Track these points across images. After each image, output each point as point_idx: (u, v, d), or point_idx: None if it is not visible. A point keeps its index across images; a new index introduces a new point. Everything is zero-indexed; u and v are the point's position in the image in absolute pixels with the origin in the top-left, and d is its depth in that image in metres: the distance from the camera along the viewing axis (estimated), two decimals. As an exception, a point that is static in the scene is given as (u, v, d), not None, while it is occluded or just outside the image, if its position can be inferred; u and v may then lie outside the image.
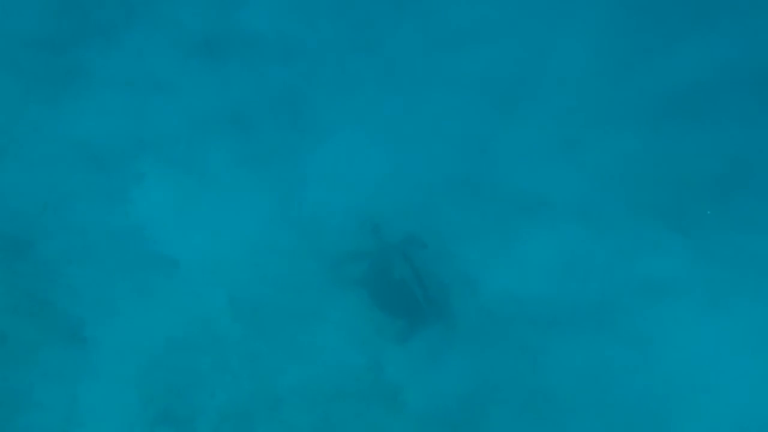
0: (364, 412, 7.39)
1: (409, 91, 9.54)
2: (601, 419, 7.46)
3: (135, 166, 8.58)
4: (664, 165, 8.95)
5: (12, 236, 7.92)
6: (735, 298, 8.00)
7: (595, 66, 9.74)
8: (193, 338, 7.64)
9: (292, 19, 10.05)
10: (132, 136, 8.81)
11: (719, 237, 8.42)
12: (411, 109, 9.39)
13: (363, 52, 9.85)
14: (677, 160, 8.99)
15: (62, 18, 9.37)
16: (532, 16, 10.14)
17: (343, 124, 9.24)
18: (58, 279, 7.77)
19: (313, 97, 9.45)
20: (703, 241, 8.39)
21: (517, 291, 8.06)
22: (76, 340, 7.48)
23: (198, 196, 8.50)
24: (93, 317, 7.61)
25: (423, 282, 7.78)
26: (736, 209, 8.63)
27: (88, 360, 7.39)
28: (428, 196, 8.71)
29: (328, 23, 10.08)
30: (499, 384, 7.57)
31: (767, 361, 7.68)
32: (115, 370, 7.36)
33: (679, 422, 7.46)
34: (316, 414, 7.37)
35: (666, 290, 8.08)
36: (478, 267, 8.22)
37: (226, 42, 9.73)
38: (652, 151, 9.08)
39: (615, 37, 9.97)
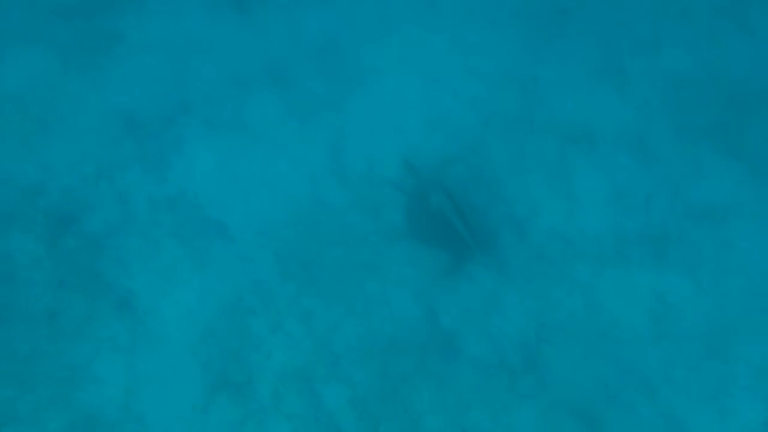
0: (421, 363, 7.04)
1: (448, 28, 8.92)
2: (659, 351, 6.96)
3: (175, 130, 8.17)
4: (711, 85, 8.18)
5: (55, 211, 7.67)
6: None
7: None
8: (246, 301, 7.30)
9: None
10: (171, 99, 8.40)
11: None
12: (452, 47, 8.77)
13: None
14: (724, 79, 8.21)
15: (92, -15, 9.03)
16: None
17: (384, 69, 8.67)
18: (105, 251, 7.49)
19: (352, 42, 8.88)
20: (755, 162, 7.68)
21: (566, 227, 7.49)
22: (128, 310, 7.20)
23: (240, 156, 8.07)
24: (142, 287, 7.33)
25: (466, 217, 7.20)
26: None
27: (142, 330, 7.11)
28: (471, 135, 8.13)
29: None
30: (553, 323, 7.13)
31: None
32: (169, 338, 7.08)
33: (739, 348, 6.93)
34: (373, 368, 7.05)
35: (719, 217, 7.42)
36: (524, 203, 7.65)
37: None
38: (698, 71, 8.31)
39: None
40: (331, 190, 7.88)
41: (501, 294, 7.25)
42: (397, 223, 7.65)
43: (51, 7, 8.71)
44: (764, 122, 7.85)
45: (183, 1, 9.03)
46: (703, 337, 6.92)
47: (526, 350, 7.03)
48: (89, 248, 7.55)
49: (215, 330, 7.15)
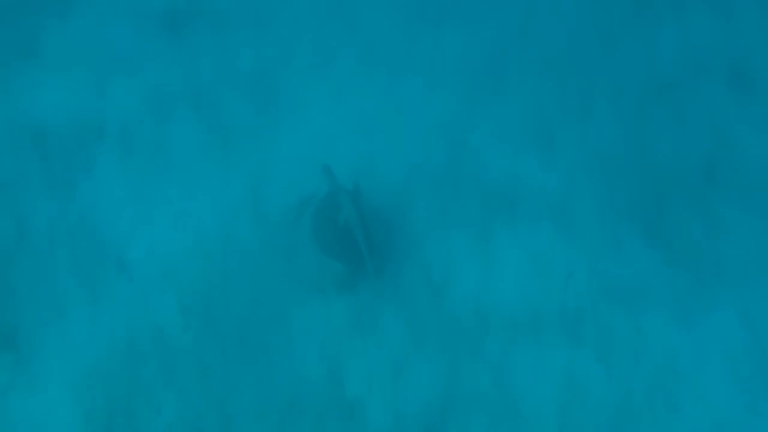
0: (319, 429, 6.41)
1: (385, 74, 8.33)
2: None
3: (86, 151, 7.37)
4: (636, 164, 7.75)
5: (-57, 229, 6.81)
6: (704, 310, 6.91)
7: (570, 55, 8.53)
8: (140, 346, 6.52)
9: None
10: (86, 117, 7.58)
11: (691, 243, 7.27)
12: (386, 94, 8.18)
13: (338, 27, 8.62)
14: (650, 160, 7.79)
15: (13, -9, 8.13)
16: (509, 3, 8.98)
17: (315, 107, 8.01)
18: (-8, 277, 6.71)
19: (284, 75, 8.20)
20: (674, 246, 7.25)
21: (482, 297, 6.89)
22: (9, 348, 6.37)
23: (152, 185, 7.27)
24: (28, 321, 6.49)
25: (371, 245, 6.78)
26: (709, 213, 7.47)
27: (21, 370, 6.27)
28: (395, 186, 7.54)
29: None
30: (460, 395, 6.57)
31: (735, 379, 6.71)
32: (52, 382, 6.25)
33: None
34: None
35: (634, 301, 6.92)
36: (441, 266, 7.04)
37: (192, 13, 8.48)
38: (624, 148, 7.88)
39: (590, 24, 8.79)
40: (245, 229, 7.12)
41: (410, 360, 6.66)
42: (311, 273, 7.01)
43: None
44: (683, 209, 7.45)
45: (110, 14, 8.22)
46: (606, 425, 6.48)
47: (429, 423, 6.46)
48: (-25, 273, 6.71)
49: (103, 375, 6.33)
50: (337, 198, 6.96)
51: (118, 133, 7.49)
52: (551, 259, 7.13)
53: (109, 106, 7.63)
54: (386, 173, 7.61)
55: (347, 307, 6.82)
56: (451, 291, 6.93)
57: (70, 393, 6.22)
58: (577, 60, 8.43)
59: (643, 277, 7.07)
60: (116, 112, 7.60)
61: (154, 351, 6.47)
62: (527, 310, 6.85)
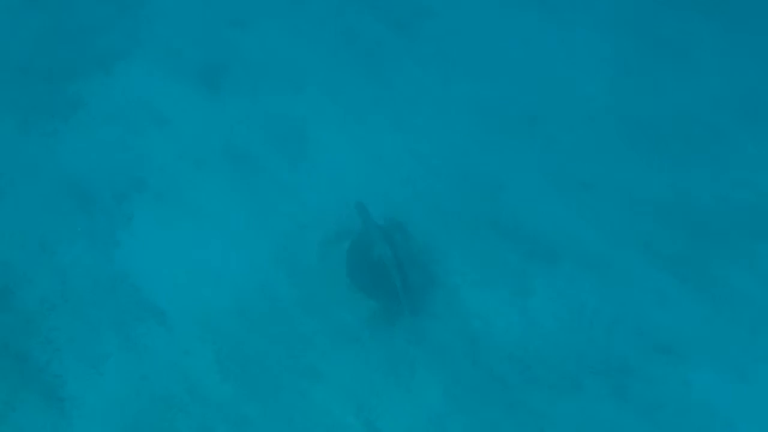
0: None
1: (418, 126, 8.32)
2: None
3: (127, 205, 7.48)
4: (679, 211, 7.57)
5: (-9, 283, 6.96)
6: (756, 361, 6.65)
7: (608, 103, 8.42)
8: (178, 398, 6.52)
9: (297, 47, 8.94)
10: (127, 173, 7.71)
11: (740, 292, 7.04)
12: (421, 144, 8.18)
13: (370, 82, 8.67)
14: (692, 207, 7.61)
15: (60, 47, 8.34)
16: (543, 49, 8.93)
17: (349, 160, 8.05)
18: (37, 331, 6.71)
19: (316, 130, 8.25)
20: (721, 295, 7.02)
21: (522, 349, 6.77)
22: (54, 399, 6.43)
23: (189, 238, 7.32)
24: (72, 374, 6.57)
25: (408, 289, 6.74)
26: (755, 260, 7.24)
27: (66, 423, 6.32)
28: (430, 237, 7.49)
29: (333, 51, 8.93)
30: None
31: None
32: (92, 435, 6.36)
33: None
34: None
35: (680, 352, 6.71)
36: (478, 317, 6.93)
37: (230, 70, 8.62)
38: (664, 195, 7.71)
39: (628, 72, 8.68)
40: (281, 283, 7.11)
41: (448, 417, 6.52)
42: (346, 325, 6.96)
43: (13, 66, 8.07)
44: (728, 256, 7.24)
45: (151, 73, 8.41)
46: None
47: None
48: (21, 327, 6.76)
49: (143, 428, 6.39)
50: (371, 234, 6.94)
51: (156, 187, 7.59)
52: (593, 309, 6.96)
53: (148, 162, 7.75)
54: (421, 222, 7.55)
55: (384, 357, 6.74)
56: (490, 341, 6.80)
57: (110, 447, 6.27)
58: (617, 104, 8.34)
59: (690, 326, 6.85)
60: (155, 167, 7.71)
61: (192, 403, 6.46)
62: (570, 361, 6.68)
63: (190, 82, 8.40)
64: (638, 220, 7.52)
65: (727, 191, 7.73)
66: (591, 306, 6.98)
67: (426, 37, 8.97)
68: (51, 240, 7.18)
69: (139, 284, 7.04)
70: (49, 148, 7.73)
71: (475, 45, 8.95)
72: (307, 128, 8.24)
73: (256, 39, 8.81)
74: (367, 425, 6.40)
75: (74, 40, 8.47)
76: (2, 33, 8.30)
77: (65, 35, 8.44)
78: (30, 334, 6.70)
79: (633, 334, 6.81)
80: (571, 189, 7.75)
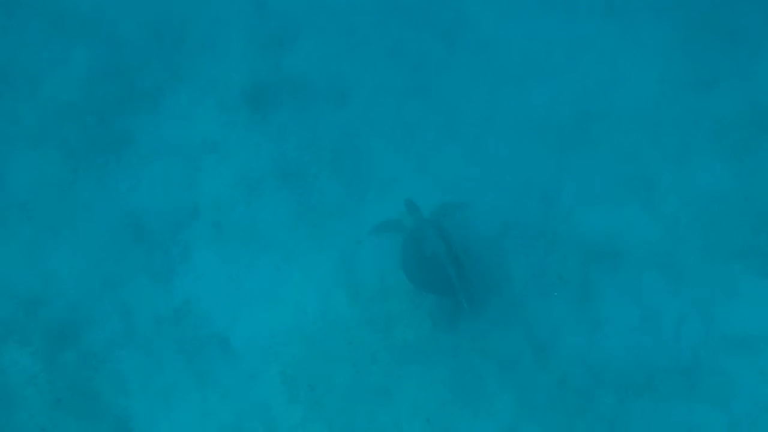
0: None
1: (468, 136, 8.19)
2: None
3: (183, 236, 7.49)
4: (744, 202, 7.26)
5: (55, 324, 7.00)
6: None
7: (662, 97, 8.10)
8: (248, 424, 6.51)
9: (341, 63, 8.90)
10: (180, 204, 7.73)
11: None
12: (471, 154, 8.07)
13: (417, 95, 8.54)
14: (759, 197, 7.30)
15: (106, 85, 8.36)
16: (589, 48, 8.72)
17: (401, 176, 7.96)
18: (104, 368, 6.77)
19: (369, 146, 8.15)
20: None
21: (590, 353, 6.60)
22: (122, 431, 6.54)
23: (247, 264, 7.31)
24: (140, 407, 6.58)
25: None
26: None
27: (138, 459, 6.44)
28: (488, 246, 7.37)
29: (378, 65, 8.82)
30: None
31: None
32: (166, 469, 6.39)
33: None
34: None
35: (755, 346, 6.50)
36: (544, 325, 6.80)
37: (274, 92, 8.60)
38: (728, 187, 7.40)
39: (681, 63, 8.39)
40: (340, 302, 7.06)
41: (521, 425, 6.40)
42: (410, 341, 6.89)
43: (61, 106, 8.14)
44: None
45: (197, 103, 8.43)
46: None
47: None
48: (88, 364, 6.82)
49: (215, 457, 6.41)
50: (423, 230, 6.88)
51: (211, 217, 7.59)
52: (661, 309, 6.76)
53: (201, 191, 7.77)
54: (479, 233, 7.45)
55: (449, 370, 6.65)
56: (557, 349, 6.66)
57: (184, 480, 6.29)
58: (670, 100, 8.06)
59: (763, 318, 6.63)
60: (208, 196, 7.72)
61: (262, 427, 6.46)
62: (640, 364, 6.50)
63: (235, 107, 8.39)
64: (701, 215, 7.28)
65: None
66: (657, 306, 6.80)
67: (470, 46, 8.85)
68: (112, 277, 7.26)
69: (201, 314, 7.06)
70: (101, 186, 7.78)
71: (520, 49, 8.79)
72: (356, 144, 8.18)
73: (300, 58, 8.79)
74: (439, 442, 6.34)
75: (118, 78, 8.56)
76: (45, 75, 8.45)
77: (110, 73, 8.54)
78: (97, 371, 6.78)
79: (704, 331, 6.62)
80: (630, 189, 7.56)
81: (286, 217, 7.65)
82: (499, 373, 6.59)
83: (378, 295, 7.11)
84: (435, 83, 8.71)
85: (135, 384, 6.69)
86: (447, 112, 8.45)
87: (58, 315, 7.07)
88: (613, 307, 6.84)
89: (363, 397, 6.55)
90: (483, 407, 6.48)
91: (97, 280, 7.24)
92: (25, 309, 7.08)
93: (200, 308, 7.09)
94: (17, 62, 8.51)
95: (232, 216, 7.64)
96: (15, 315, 7.06)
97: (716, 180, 7.49)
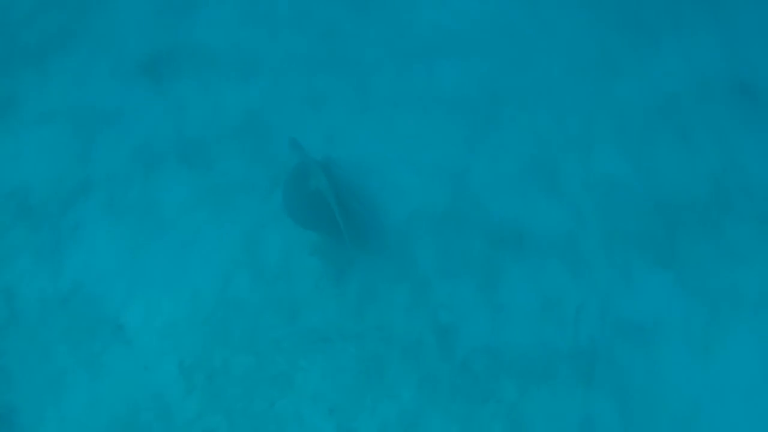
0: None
1: (377, 111, 7.84)
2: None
3: (73, 214, 6.88)
4: (642, 190, 7.27)
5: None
6: (722, 340, 6.53)
7: (568, 82, 8.00)
8: (142, 417, 6.11)
9: (247, 31, 8.31)
10: (70, 178, 7.09)
11: (708, 271, 6.84)
12: (380, 133, 7.76)
13: (326, 66, 8.13)
14: (657, 186, 7.31)
15: (-17, 43, 7.67)
16: (498, 27, 8.50)
17: (310, 149, 7.58)
18: (-15, 357, 6.29)
19: (276, 121, 7.73)
20: (691, 275, 6.81)
21: (493, 338, 6.49)
22: (6, 428, 6.02)
23: (143, 245, 6.78)
24: (24, 400, 6.05)
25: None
26: (723, 238, 7.05)
27: (21, 453, 5.95)
28: (395, 228, 7.13)
29: (287, 34, 8.33)
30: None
31: (758, 413, 6.37)
32: (52, 463, 5.93)
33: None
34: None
35: (648, 334, 6.54)
36: (448, 309, 6.63)
37: (175, 61, 7.94)
38: (628, 174, 7.38)
39: (588, 48, 8.31)
40: (244, 288, 6.71)
41: (423, 411, 6.28)
42: (315, 327, 6.62)
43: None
44: (695, 235, 7.05)
45: (89, 66, 7.75)
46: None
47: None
48: (-33, 353, 6.29)
49: (106, 451, 6.00)
50: (306, 167, 6.63)
51: (104, 193, 7.00)
52: (561, 296, 6.72)
53: (93, 164, 7.14)
54: (384, 218, 7.20)
55: (353, 357, 6.41)
56: (460, 336, 6.53)
57: (72, 474, 5.87)
58: (575, 88, 7.96)
59: (657, 308, 6.66)
60: (101, 170, 7.11)
61: (156, 420, 6.06)
62: (540, 351, 6.43)
63: (131, 75, 7.74)
64: (602, 202, 7.25)
65: (692, 165, 7.50)
66: (558, 293, 6.75)
67: (382, 15, 8.46)
68: (-8, 257, 6.67)
69: (92, 298, 6.53)
70: (-19, 155, 7.12)
71: (430, 21, 8.47)
72: (262, 118, 7.73)
73: (201, 25, 8.16)
74: (340, 428, 6.14)
75: (0, 33, 7.77)
76: None
77: (-10, 30, 7.74)
78: (-23, 359, 6.24)
79: (601, 319, 6.62)
80: (533, 176, 7.45)
81: (185, 195, 7.14)
82: (402, 360, 6.42)
83: (282, 277, 6.76)
84: (345, 54, 8.32)
85: (18, 375, 6.12)
86: (357, 86, 8.08)
87: (-70, 299, 6.43)
88: (516, 293, 6.73)
89: (264, 388, 6.25)
90: (385, 394, 6.32)
91: (-25, 260, 6.63)
92: None
93: (91, 292, 6.54)
94: None
95: (128, 193, 7.07)
96: None
97: (617, 167, 7.46)
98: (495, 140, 7.67)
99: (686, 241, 7.03)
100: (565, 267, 6.89)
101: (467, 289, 6.78)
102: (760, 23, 8.39)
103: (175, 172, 7.26)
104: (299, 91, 7.97)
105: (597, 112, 7.84)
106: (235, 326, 6.51)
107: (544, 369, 6.42)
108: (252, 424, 6.08)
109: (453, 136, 7.73)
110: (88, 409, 6.09)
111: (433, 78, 8.16)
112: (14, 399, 6.06)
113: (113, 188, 7.10)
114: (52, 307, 6.46)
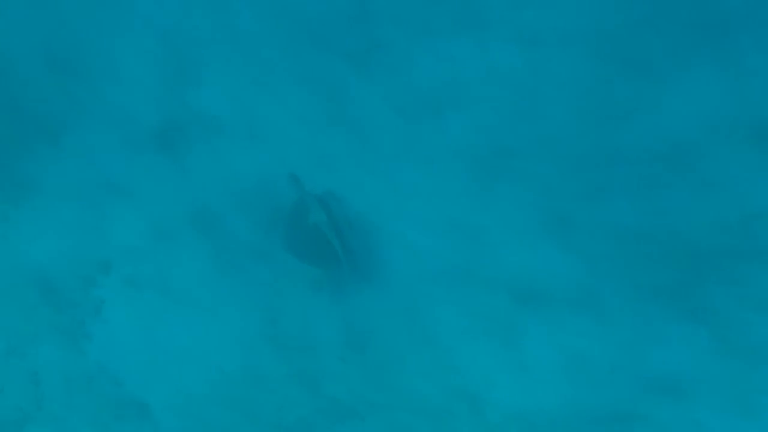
0: None
1: (383, 168, 7.87)
2: None
3: (95, 292, 6.86)
4: (663, 237, 7.15)
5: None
6: (762, 394, 6.36)
7: (575, 131, 7.90)
8: (172, 497, 6.14)
9: (253, 96, 8.31)
10: (90, 256, 7.07)
11: (736, 321, 6.71)
12: (388, 189, 7.73)
13: (333, 125, 8.14)
14: (678, 232, 7.20)
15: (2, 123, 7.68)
16: (504, 78, 8.47)
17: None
18: (13, 444, 6.23)
19: (284, 186, 7.65)
20: (719, 326, 6.70)
21: (523, 403, 6.42)
22: None
23: (164, 321, 6.72)
24: (54, 486, 6.10)
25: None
26: (749, 286, 6.91)
27: None
28: (412, 290, 7.05)
29: (293, 96, 8.33)
30: None
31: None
32: None
33: None
34: None
35: (685, 391, 6.40)
36: (475, 375, 6.54)
37: (185, 130, 7.90)
38: (648, 222, 7.27)
39: (593, 96, 8.21)
40: (266, 361, 6.64)
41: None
42: (341, 397, 6.54)
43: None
44: (725, 281, 6.91)
45: (102, 141, 7.76)
46: None
47: None
48: (-6, 441, 6.24)
49: None
50: (305, 202, 6.86)
51: (124, 268, 6.96)
52: (586, 355, 6.61)
53: (110, 241, 7.11)
54: (395, 273, 7.14)
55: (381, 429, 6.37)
56: (490, 401, 6.42)
57: None
58: (585, 136, 7.87)
59: (689, 363, 6.50)
60: (118, 246, 7.07)
61: (187, 504, 6.04)
62: (573, 414, 6.35)
63: (142, 146, 7.73)
64: (621, 252, 7.16)
65: (711, 214, 7.37)
66: (583, 351, 6.64)
67: (388, 73, 8.47)
68: (16, 340, 6.61)
69: (117, 378, 6.47)
70: (1, 238, 7.09)
71: (436, 77, 8.47)
72: (274, 181, 7.70)
73: (207, 93, 8.16)
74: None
75: (15, 115, 7.76)
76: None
77: (5, 110, 7.71)
78: (5, 447, 6.19)
79: (631, 376, 6.51)
80: (547, 228, 7.36)
81: (202, 267, 7.09)
82: (431, 428, 6.35)
83: (304, 348, 6.70)
84: (352, 112, 8.30)
85: (47, 464, 6.13)
86: (365, 142, 8.06)
87: (-44, 387, 6.39)
88: (541, 352, 6.64)
89: (292, 462, 6.20)
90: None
91: (1, 346, 6.57)
92: None
93: (115, 372, 6.51)
94: None
95: (146, 267, 7.02)
96: None
97: (634, 216, 7.34)
98: (506, 193, 7.60)
99: (716, 292, 6.85)
100: (589, 323, 6.79)
101: (491, 350, 6.70)
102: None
103: (191, 243, 7.22)
104: (308, 151, 7.94)
105: (608, 160, 7.75)
106: (259, 402, 6.44)
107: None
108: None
109: (463, 190, 7.68)
110: (118, 493, 6.04)
111: (440, 132, 8.12)
112: (44, 487, 6.02)
113: (132, 263, 7.04)
114: (77, 389, 6.40)
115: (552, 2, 8.95)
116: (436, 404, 6.40)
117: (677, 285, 6.95)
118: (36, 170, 7.50)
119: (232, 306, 6.89)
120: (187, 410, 6.37)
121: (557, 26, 8.85)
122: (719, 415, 6.28)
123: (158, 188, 7.54)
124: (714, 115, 7.93)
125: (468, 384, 6.51)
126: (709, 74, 8.06)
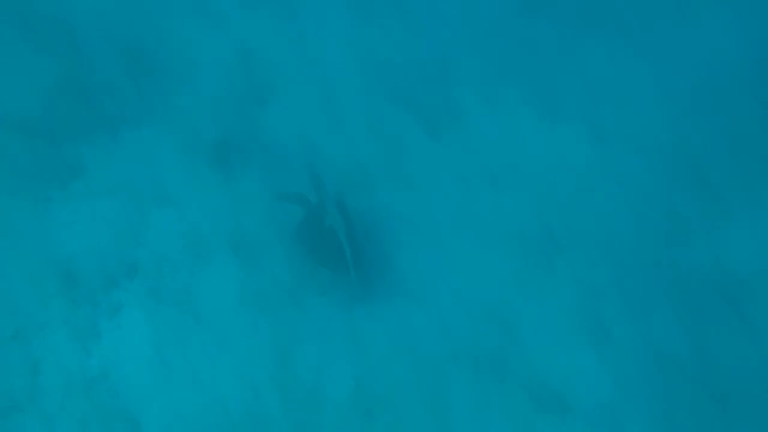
0: None
1: (436, 237, 7.50)
2: None
3: (115, 295, 6.58)
4: (697, 371, 6.74)
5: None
6: None
7: (629, 236, 7.64)
8: None
9: (317, 130, 8.15)
10: (119, 256, 6.81)
11: None
12: (436, 259, 7.37)
13: (392, 180, 7.88)
14: (713, 368, 6.79)
15: (66, 106, 7.38)
16: (569, 165, 8.20)
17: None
18: (-1, 434, 5.88)
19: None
20: None
21: None
22: None
23: (179, 342, 6.39)
24: (23, 492, 5.70)
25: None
26: None
27: None
28: (436, 370, 6.68)
29: (357, 139, 8.10)
30: None
31: None
32: None
33: None
34: None
35: None
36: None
37: (245, 149, 7.67)
38: (682, 350, 6.89)
39: (654, 205, 7.92)
40: (273, 406, 6.23)
41: None
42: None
43: (13, 123, 7.13)
44: (750, 425, 6.53)
45: (160, 142, 7.54)
46: None
47: None
48: (-23, 425, 5.90)
49: None
50: (323, 203, 6.75)
51: (150, 277, 6.67)
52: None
53: (144, 246, 6.86)
54: (429, 353, 6.76)
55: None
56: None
57: None
58: (640, 244, 7.54)
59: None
60: (151, 254, 6.80)
61: None
62: None
63: (199, 158, 7.52)
64: (655, 375, 6.73)
65: (750, 351, 6.97)
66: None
67: (455, 141, 8.22)
68: (25, 325, 6.31)
69: (117, 388, 6.10)
70: (39, 216, 6.79)
71: (502, 152, 8.21)
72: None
73: (276, 119, 7.95)
74: None
75: (81, 101, 7.53)
76: (5, 84, 7.40)
77: (71, 94, 7.53)
78: (-10, 436, 5.84)
79: None
80: (585, 332, 6.97)
81: (229, 293, 6.75)
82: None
83: (313, 400, 6.32)
84: (411, 170, 8.06)
85: (26, 460, 5.76)
86: (419, 205, 7.79)
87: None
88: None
89: None
90: None
91: (9, 327, 6.24)
92: None
93: (117, 381, 6.14)
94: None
95: (171, 282, 6.71)
96: None
97: (672, 340, 6.95)
98: (548, 284, 7.24)
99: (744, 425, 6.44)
100: (610, 442, 6.37)
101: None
102: None
103: (223, 267, 6.90)
104: (362, 202, 7.66)
105: (660, 277, 7.38)
106: (257, 443, 6.08)
107: None
108: None
109: (506, 273, 7.33)
110: None
111: (494, 206, 7.83)
112: (16, 487, 5.65)
113: (159, 273, 6.73)
114: (74, 390, 6.04)
115: (632, 105, 8.72)
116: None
117: (703, 419, 6.52)
118: (89, 157, 7.26)
119: (249, 342, 6.53)
120: (179, 437, 6.00)
121: (633, 129, 8.62)
122: None
123: (204, 203, 7.27)
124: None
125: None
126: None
